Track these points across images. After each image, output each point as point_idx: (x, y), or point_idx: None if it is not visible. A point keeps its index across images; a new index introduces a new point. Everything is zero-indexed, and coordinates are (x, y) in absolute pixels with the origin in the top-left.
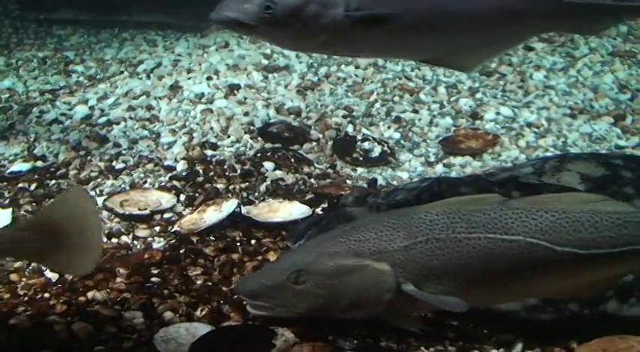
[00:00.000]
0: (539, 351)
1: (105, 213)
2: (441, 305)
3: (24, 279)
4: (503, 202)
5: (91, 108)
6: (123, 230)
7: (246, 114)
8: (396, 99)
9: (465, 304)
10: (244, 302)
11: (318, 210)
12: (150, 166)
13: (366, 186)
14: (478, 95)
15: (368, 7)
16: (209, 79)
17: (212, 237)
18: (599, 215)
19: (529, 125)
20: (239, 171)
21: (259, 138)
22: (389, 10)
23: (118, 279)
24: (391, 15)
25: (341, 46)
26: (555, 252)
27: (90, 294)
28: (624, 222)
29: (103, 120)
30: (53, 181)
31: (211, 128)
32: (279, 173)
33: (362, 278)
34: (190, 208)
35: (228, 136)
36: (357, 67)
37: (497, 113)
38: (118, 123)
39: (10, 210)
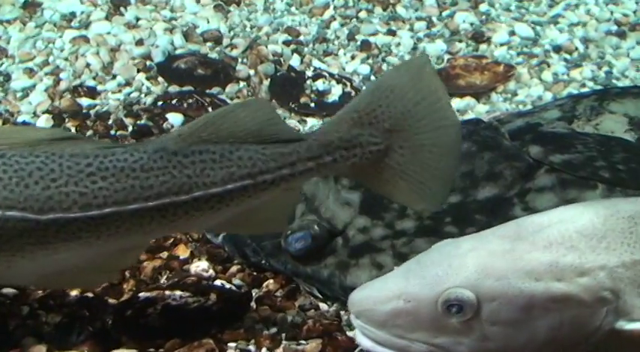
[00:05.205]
0: None
1: None
2: None
3: None
4: None
5: None
6: None
7: (139, 42)
8: (363, 15)
9: None
10: None
11: None
12: None
13: None
14: (483, 7)
15: None
16: None
17: None
18: (57, 160)
19: (557, 49)
20: (131, 128)
21: (160, 79)
22: None
23: None
24: None
25: None
26: None
27: None
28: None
29: None
30: None
31: (87, 65)
32: None
33: None
34: None
35: (114, 77)
36: None
37: (512, 33)
38: None
39: None
